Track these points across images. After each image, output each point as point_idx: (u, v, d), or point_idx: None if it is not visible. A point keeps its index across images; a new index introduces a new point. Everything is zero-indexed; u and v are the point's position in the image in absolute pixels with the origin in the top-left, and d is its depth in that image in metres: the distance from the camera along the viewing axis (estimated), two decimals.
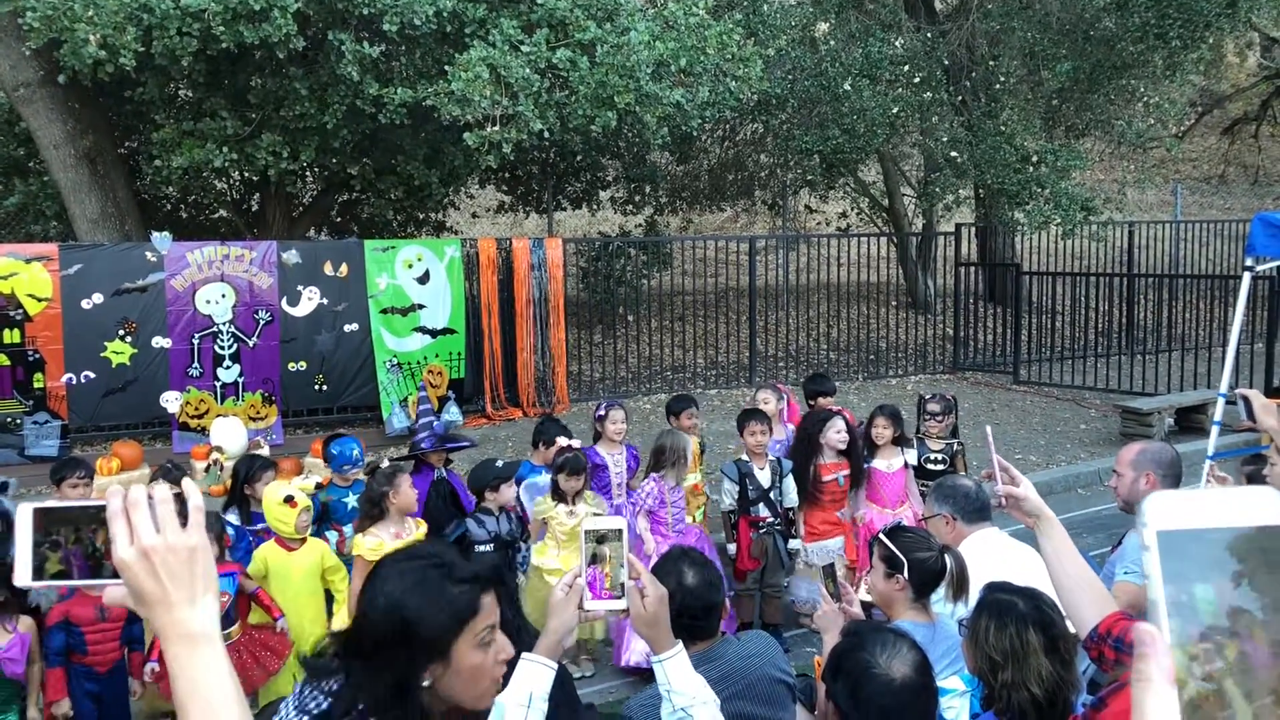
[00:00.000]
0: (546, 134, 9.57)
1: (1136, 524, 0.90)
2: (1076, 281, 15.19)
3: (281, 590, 5.14)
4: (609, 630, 6.04)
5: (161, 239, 9.94)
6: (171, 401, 9.97)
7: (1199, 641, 0.85)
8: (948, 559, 3.20)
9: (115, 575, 1.22)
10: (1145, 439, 6.88)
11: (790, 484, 6.32)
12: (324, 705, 1.86)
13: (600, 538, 2.18)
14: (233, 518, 5.54)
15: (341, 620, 5.27)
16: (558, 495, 5.67)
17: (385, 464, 5.35)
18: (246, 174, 11.94)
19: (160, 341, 9.93)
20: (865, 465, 6.45)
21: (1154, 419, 10.48)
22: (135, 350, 9.84)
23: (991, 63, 13.76)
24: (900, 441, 6.52)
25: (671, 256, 15.28)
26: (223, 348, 10.16)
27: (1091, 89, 13.85)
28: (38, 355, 9.53)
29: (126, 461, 8.99)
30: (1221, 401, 7.66)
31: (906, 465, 6.49)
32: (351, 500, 5.74)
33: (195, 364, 10.06)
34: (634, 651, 5.68)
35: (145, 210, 12.23)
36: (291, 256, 10.42)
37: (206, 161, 9.96)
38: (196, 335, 10.05)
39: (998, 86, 13.73)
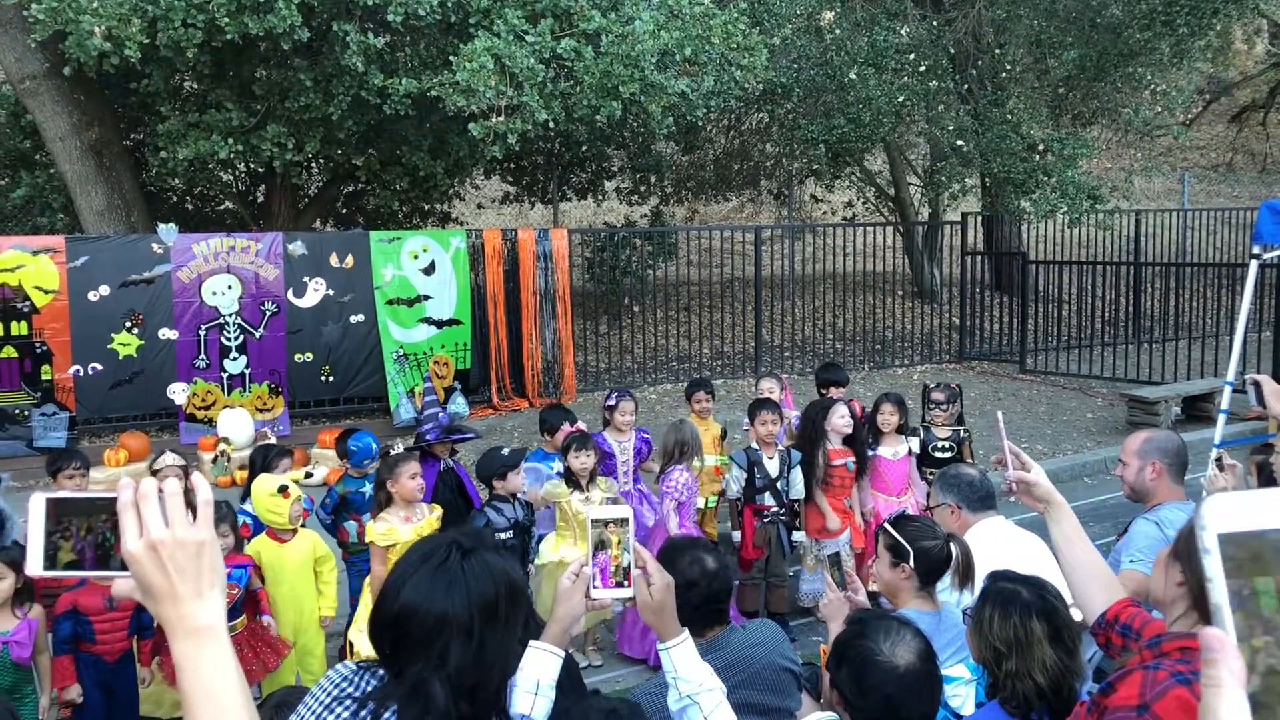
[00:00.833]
0: (551, 124, 9.56)
1: (1195, 528, 0.90)
2: (1083, 270, 15.15)
3: (276, 582, 5.15)
4: (615, 623, 6.08)
5: (167, 231, 9.96)
6: (178, 393, 10.00)
7: (1263, 634, 0.86)
8: (953, 547, 3.20)
9: (124, 567, 1.23)
10: (1151, 428, 6.87)
11: (797, 475, 6.33)
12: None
13: (606, 526, 2.20)
14: (248, 507, 5.55)
15: (329, 607, 5.30)
16: (570, 480, 5.72)
17: (398, 448, 5.36)
18: (252, 165, 11.96)
19: (167, 333, 9.96)
20: (870, 454, 6.48)
21: (1160, 408, 10.46)
22: (142, 342, 9.88)
23: (998, 51, 13.71)
24: (904, 429, 6.56)
25: (677, 247, 15.27)
26: (229, 339, 10.19)
27: (1098, 77, 13.78)
28: (45, 347, 9.57)
29: (134, 453, 9.04)
30: (1228, 390, 7.65)
31: (910, 453, 6.52)
32: (368, 490, 5.75)
33: (202, 355, 10.09)
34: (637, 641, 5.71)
35: (151, 202, 12.25)
36: (297, 248, 10.44)
37: (212, 153, 9.98)
38: (203, 327, 10.08)
39: (1004, 75, 13.68)
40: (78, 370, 9.69)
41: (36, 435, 9.59)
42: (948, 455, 6.51)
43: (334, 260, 10.54)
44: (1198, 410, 10.77)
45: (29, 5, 8.51)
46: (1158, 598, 2.09)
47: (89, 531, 1.26)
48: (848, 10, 13.64)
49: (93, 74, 9.42)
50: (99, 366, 9.76)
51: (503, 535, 5.33)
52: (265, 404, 10.31)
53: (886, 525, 3.30)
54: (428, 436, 6.29)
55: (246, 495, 5.73)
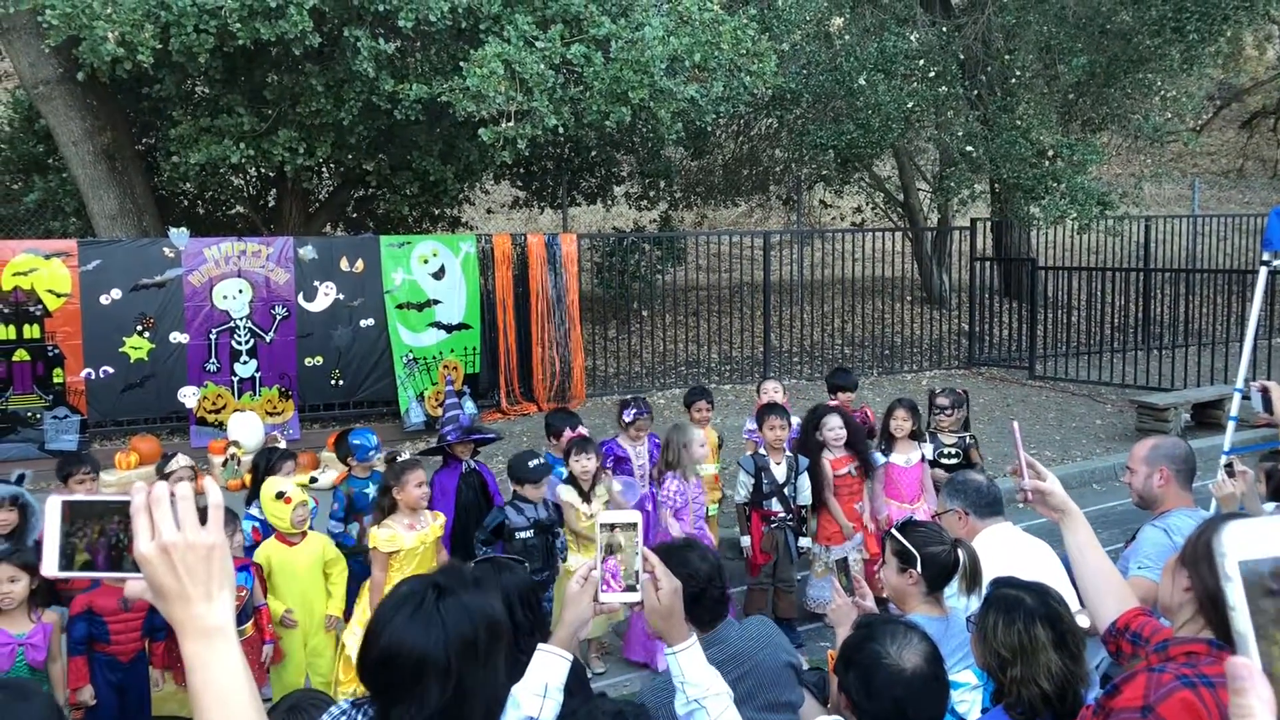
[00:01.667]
0: (561, 130, 9.59)
1: (1214, 554, 0.91)
2: (1093, 276, 15.10)
3: (288, 584, 5.18)
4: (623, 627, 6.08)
5: (179, 235, 10.01)
6: (189, 396, 10.05)
7: None
8: (960, 553, 3.21)
9: (136, 569, 1.25)
10: (1161, 434, 6.85)
11: (805, 481, 6.34)
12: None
13: (615, 530, 2.21)
14: (256, 511, 5.57)
15: (337, 607, 5.31)
16: (574, 484, 5.73)
17: (406, 455, 5.37)
18: (263, 170, 12.01)
19: (178, 337, 10.01)
20: (884, 460, 6.47)
21: (1170, 414, 10.42)
22: (153, 345, 9.93)
23: (1007, 57, 13.70)
24: (918, 435, 6.55)
25: (686, 252, 15.28)
26: (240, 343, 10.23)
27: (1108, 83, 13.75)
28: (57, 350, 9.63)
29: (144, 456, 9.07)
30: (1238, 397, 7.62)
31: (924, 459, 6.51)
32: (372, 490, 5.77)
33: (212, 359, 10.14)
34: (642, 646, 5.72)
35: (163, 206, 12.31)
36: (308, 252, 10.48)
37: (223, 157, 10.03)
38: (214, 330, 10.12)
39: (1013, 81, 13.66)
40: (89, 373, 9.75)
41: (48, 438, 9.64)
42: (954, 461, 6.50)
43: (344, 264, 10.58)
44: (1207, 417, 10.72)
45: (43, 11, 8.57)
46: (1165, 604, 2.09)
47: (102, 534, 1.28)
48: (857, 16, 13.64)
49: (106, 79, 9.47)
50: (110, 370, 9.81)
51: (522, 535, 5.32)
52: (275, 408, 10.35)
53: (894, 531, 3.31)
54: (449, 437, 6.30)
55: (252, 499, 5.76)
